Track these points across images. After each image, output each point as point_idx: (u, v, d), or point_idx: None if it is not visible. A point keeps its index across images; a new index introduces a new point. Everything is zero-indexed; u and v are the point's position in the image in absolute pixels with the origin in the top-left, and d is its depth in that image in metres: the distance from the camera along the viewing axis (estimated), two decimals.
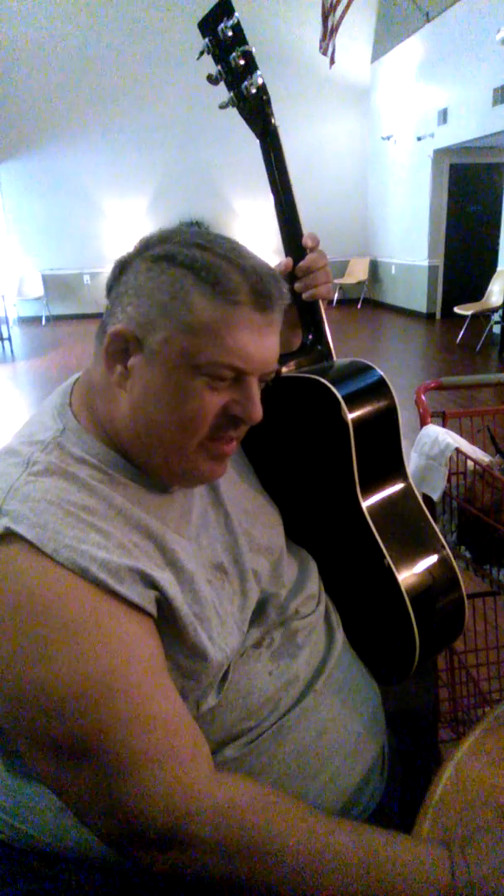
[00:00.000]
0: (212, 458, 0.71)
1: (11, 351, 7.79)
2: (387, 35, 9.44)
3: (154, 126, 9.72)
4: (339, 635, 0.87)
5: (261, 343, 0.67)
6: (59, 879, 0.72)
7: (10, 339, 7.89)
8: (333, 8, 6.60)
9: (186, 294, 0.64)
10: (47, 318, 10.08)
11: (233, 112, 0.92)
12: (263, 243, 6.47)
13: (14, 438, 0.72)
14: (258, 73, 0.86)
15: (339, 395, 0.82)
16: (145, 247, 0.69)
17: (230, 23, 0.84)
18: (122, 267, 0.69)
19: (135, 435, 0.69)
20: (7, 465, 0.67)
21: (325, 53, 7.06)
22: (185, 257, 0.65)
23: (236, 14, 0.84)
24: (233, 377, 0.67)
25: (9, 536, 0.60)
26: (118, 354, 0.68)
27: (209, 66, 0.90)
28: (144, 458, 0.70)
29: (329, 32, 6.82)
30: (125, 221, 9.93)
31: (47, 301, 10.06)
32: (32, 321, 10.07)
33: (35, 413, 0.76)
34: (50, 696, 0.57)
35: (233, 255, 0.66)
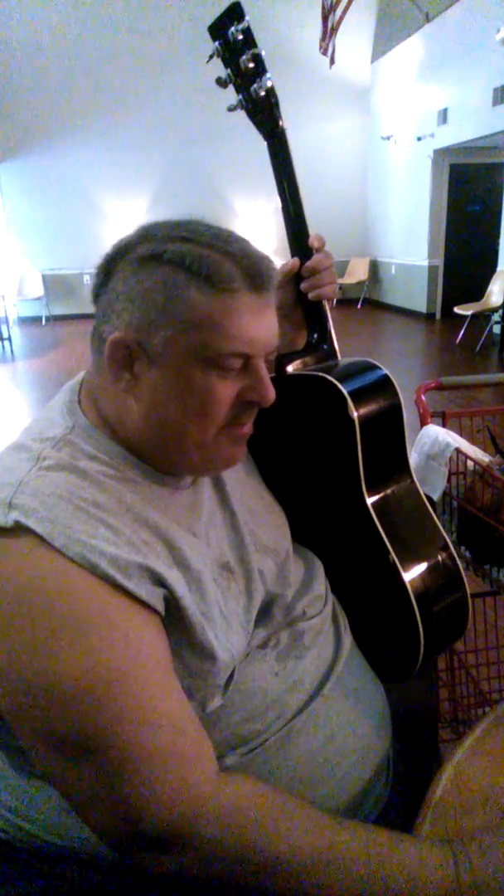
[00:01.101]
0: (232, 442, 0.71)
1: (11, 351, 7.79)
2: (387, 35, 9.44)
3: (154, 126, 9.72)
4: (347, 637, 0.87)
5: (262, 324, 0.67)
6: (62, 879, 0.72)
7: (10, 339, 7.89)
8: (333, 8, 6.61)
9: (181, 290, 0.64)
10: (47, 318, 10.08)
11: (233, 113, 0.92)
12: (263, 243, 6.47)
13: (23, 435, 0.72)
14: (267, 75, 0.87)
15: (345, 392, 0.82)
16: (126, 249, 0.67)
17: (241, 26, 0.84)
18: (107, 272, 0.68)
19: (150, 437, 0.69)
20: (17, 460, 0.67)
21: (325, 53, 7.06)
22: (172, 254, 0.64)
23: (247, 18, 0.84)
24: (241, 364, 0.67)
25: (19, 530, 0.60)
26: (122, 361, 0.67)
27: (216, 68, 0.89)
28: (163, 457, 0.71)
29: (329, 32, 6.83)
30: (125, 222, 9.89)
31: (47, 301, 10.06)
32: (32, 321, 10.07)
33: (44, 410, 0.76)
34: (56, 690, 0.57)
35: (218, 242, 0.66)
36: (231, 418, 0.69)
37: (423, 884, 0.58)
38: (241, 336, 0.65)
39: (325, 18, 6.79)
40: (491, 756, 0.72)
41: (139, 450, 0.70)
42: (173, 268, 0.64)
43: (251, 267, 0.66)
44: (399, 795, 0.83)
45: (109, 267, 0.68)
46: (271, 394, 0.70)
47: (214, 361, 0.65)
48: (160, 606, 0.64)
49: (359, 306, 10.60)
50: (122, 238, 0.69)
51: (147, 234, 0.67)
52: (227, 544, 0.78)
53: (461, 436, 1.29)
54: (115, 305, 0.67)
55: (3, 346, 7.91)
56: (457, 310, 7.38)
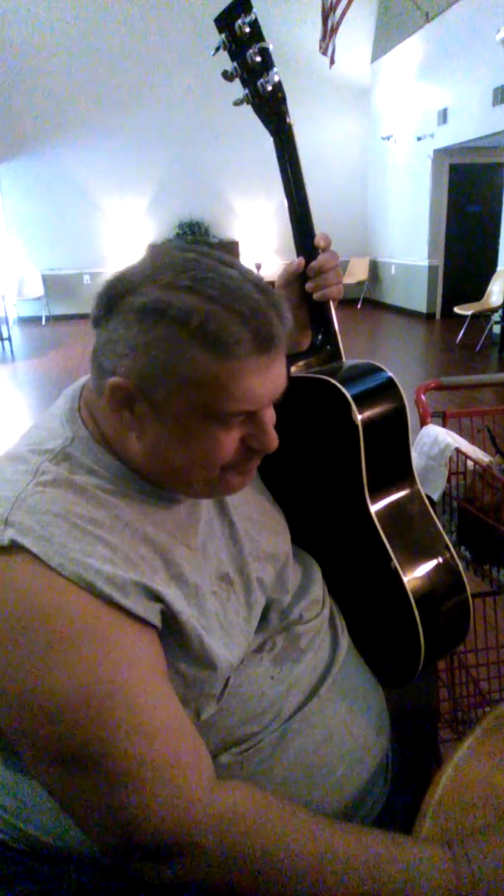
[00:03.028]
0: (238, 475, 0.71)
1: (11, 351, 7.78)
2: (387, 35, 9.44)
3: (154, 126, 9.71)
4: (345, 639, 0.86)
5: (268, 381, 0.65)
6: (60, 880, 0.72)
7: (10, 339, 7.88)
8: (333, 8, 6.60)
9: (185, 350, 0.61)
10: (47, 318, 10.07)
11: (233, 112, 0.92)
12: (263, 243, 6.46)
13: (22, 444, 0.71)
14: (274, 70, 0.85)
15: (349, 397, 0.81)
16: (130, 287, 0.63)
17: (248, 19, 0.83)
18: (109, 306, 0.64)
19: (153, 469, 0.69)
20: (15, 473, 0.66)
21: (325, 53, 7.05)
22: (176, 311, 0.60)
23: (254, 10, 0.83)
24: (245, 416, 0.67)
25: (15, 548, 0.60)
26: (122, 402, 0.65)
27: (217, 68, 0.89)
28: (164, 484, 0.70)
29: (329, 32, 6.82)
30: (125, 221, 9.92)
31: (47, 301, 10.05)
32: (32, 321, 10.06)
33: (43, 417, 0.75)
34: (51, 704, 0.57)
35: (228, 297, 0.61)
36: (235, 460, 0.69)
37: (423, 884, 0.58)
38: (247, 396, 0.64)
39: (325, 19, 6.78)
40: (491, 756, 0.72)
41: (145, 475, 0.70)
42: (178, 326, 0.61)
43: (261, 328, 0.62)
44: (399, 795, 0.83)
45: (112, 300, 0.64)
46: (274, 443, 0.69)
47: (218, 418, 0.65)
48: (157, 621, 0.64)
49: (359, 306, 10.59)
50: (126, 271, 0.65)
51: (152, 276, 0.63)
52: (226, 555, 0.77)
53: (461, 436, 1.29)
54: (118, 346, 0.64)
55: (3, 346, 7.90)
56: (457, 310, 7.37)
